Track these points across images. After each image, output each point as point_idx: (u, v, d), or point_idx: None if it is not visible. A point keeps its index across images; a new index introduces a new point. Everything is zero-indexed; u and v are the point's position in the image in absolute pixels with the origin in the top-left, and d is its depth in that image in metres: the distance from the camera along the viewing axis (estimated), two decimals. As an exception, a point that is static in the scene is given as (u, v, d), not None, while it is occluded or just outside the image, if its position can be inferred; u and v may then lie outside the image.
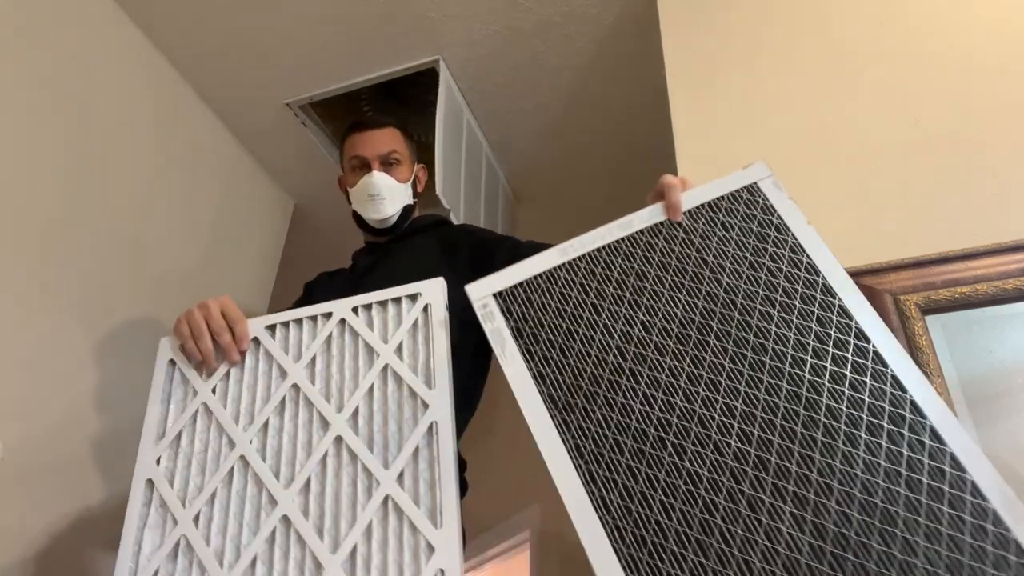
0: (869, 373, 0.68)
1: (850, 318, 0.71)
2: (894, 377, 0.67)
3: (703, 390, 0.69)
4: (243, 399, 0.85)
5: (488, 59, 1.84)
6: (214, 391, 0.86)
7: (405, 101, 1.97)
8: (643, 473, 0.66)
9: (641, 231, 0.80)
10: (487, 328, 0.77)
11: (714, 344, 0.72)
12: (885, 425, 0.65)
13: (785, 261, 0.76)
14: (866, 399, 0.66)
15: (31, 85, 1.36)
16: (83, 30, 1.52)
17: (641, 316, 0.75)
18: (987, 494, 0.61)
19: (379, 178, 1.25)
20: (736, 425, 0.67)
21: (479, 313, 0.78)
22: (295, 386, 0.84)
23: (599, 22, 1.74)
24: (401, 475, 0.75)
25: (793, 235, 0.77)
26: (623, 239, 0.80)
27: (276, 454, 0.80)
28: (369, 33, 1.74)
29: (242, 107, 1.93)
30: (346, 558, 0.72)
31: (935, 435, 0.64)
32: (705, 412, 0.68)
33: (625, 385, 0.71)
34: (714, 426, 0.67)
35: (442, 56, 1.82)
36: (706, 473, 0.65)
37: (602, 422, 0.69)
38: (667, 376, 0.70)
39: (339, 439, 0.79)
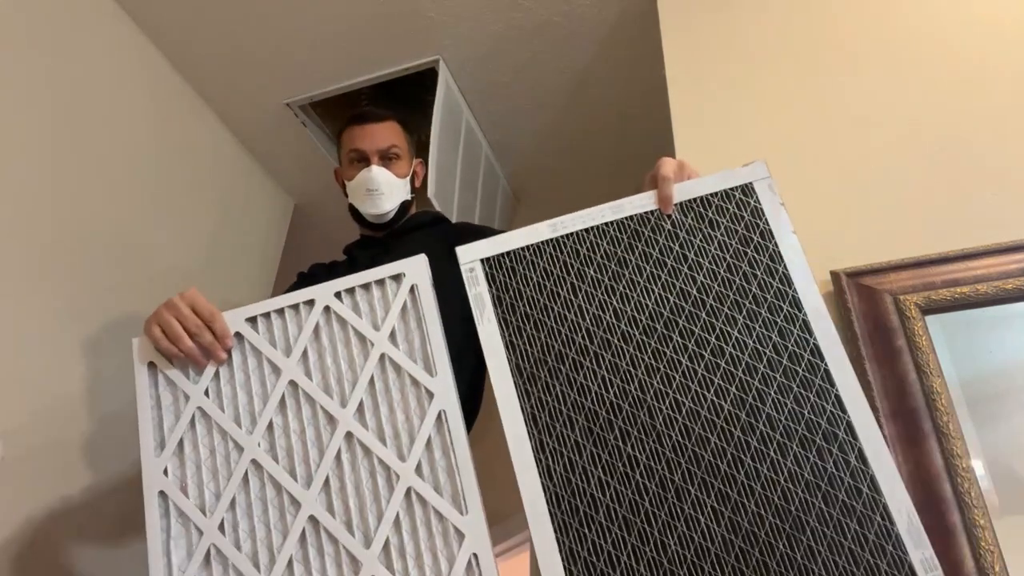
0: (815, 390, 0.71)
1: (810, 334, 0.73)
2: (837, 397, 0.70)
3: (657, 382, 0.73)
4: (239, 399, 0.83)
5: (488, 59, 1.84)
6: (207, 393, 0.84)
7: (405, 101, 1.97)
8: (588, 450, 0.72)
9: (630, 217, 0.82)
10: (470, 292, 0.81)
11: (676, 340, 0.75)
12: (817, 441, 0.69)
13: (762, 269, 0.77)
14: (805, 414, 0.70)
15: (30, 84, 1.36)
16: (83, 29, 1.52)
17: (614, 303, 0.78)
18: (895, 518, 0.65)
19: (378, 173, 1.24)
20: (680, 420, 0.72)
21: (465, 277, 0.82)
22: (292, 382, 0.83)
23: (599, 22, 1.74)
24: (419, 466, 0.76)
25: (775, 243, 0.78)
26: (612, 223, 0.82)
27: (287, 454, 0.80)
28: (369, 33, 1.74)
29: (242, 107, 1.92)
30: (381, 551, 0.73)
31: (861, 457, 0.68)
32: (655, 403, 0.73)
33: (587, 366, 0.76)
34: (660, 418, 0.72)
35: (442, 56, 1.81)
36: (644, 459, 0.71)
37: (560, 397, 0.75)
38: (627, 364, 0.75)
39: (349, 435, 0.79)
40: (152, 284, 1.57)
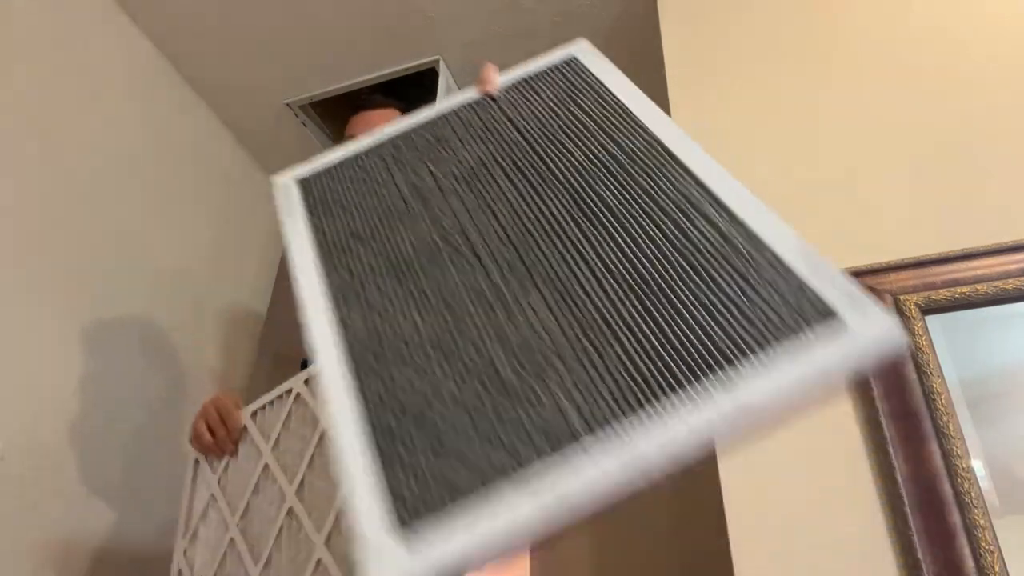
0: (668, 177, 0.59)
1: (653, 139, 0.64)
2: (695, 178, 0.58)
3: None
4: (237, 484, 0.91)
5: (488, 59, 1.84)
6: (219, 482, 0.94)
7: (406, 102, 1.97)
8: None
9: (453, 112, 0.72)
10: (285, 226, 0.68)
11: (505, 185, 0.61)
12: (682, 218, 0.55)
13: (597, 112, 0.69)
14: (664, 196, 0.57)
15: (30, 85, 1.37)
16: (83, 29, 1.52)
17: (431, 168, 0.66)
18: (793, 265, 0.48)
19: None
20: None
21: (280, 206, 0.69)
22: (266, 466, 0.88)
23: (599, 22, 1.74)
24: (329, 537, 0.76)
25: (614, 96, 0.71)
26: (436, 119, 0.71)
27: (255, 534, 0.85)
28: (369, 33, 1.74)
29: (242, 107, 1.92)
30: None
31: (736, 222, 0.53)
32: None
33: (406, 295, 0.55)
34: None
35: (442, 56, 1.82)
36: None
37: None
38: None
39: (291, 511, 0.82)
40: (153, 284, 1.57)
